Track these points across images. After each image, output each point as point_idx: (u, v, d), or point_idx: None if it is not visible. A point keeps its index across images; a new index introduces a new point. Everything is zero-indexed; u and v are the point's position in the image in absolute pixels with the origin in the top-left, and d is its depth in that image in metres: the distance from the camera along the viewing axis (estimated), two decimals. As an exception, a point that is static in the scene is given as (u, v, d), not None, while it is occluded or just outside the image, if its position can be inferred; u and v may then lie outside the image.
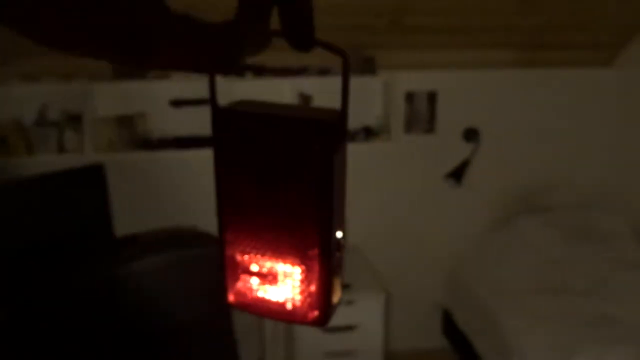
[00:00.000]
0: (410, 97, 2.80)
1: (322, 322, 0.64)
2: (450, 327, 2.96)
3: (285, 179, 0.59)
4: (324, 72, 2.64)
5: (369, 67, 2.67)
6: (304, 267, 0.63)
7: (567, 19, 2.63)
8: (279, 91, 2.61)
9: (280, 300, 0.66)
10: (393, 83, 2.71)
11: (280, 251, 0.63)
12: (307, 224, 0.61)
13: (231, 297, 0.69)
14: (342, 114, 0.57)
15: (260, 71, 2.57)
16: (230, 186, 0.62)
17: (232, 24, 0.52)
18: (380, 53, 2.67)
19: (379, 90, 2.77)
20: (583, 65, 2.92)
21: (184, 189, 2.68)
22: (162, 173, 2.71)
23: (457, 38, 2.69)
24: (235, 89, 2.53)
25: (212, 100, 0.58)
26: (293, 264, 0.63)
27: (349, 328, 2.32)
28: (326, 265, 0.62)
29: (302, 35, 0.59)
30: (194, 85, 2.51)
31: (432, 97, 2.82)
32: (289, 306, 0.66)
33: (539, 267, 2.68)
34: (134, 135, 2.55)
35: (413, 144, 2.82)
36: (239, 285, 0.68)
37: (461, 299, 2.82)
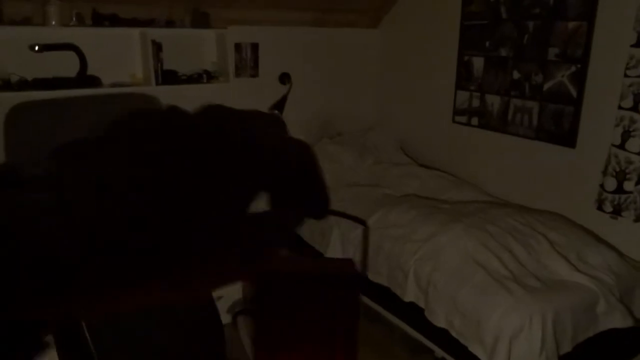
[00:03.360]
0: (238, 47, 3.50)
1: None
2: (277, 229, 3.82)
3: (314, 322, 0.68)
4: (170, 23, 3.16)
5: (204, 22, 3.28)
6: None
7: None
8: (132, 39, 3.07)
9: None
10: (224, 35, 3.35)
11: None
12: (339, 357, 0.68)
13: None
14: (363, 269, 0.85)
15: (115, 21, 2.97)
16: (266, 335, 0.70)
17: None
18: (214, 10, 3.28)
19: (213, 41, 3.39)
20: (358, 26, 3.99)
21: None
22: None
23: (272, 1, 3.46)
24: (98, 36, 2.92)
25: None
26: None
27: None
28: None
29: (320, 211, 0.89)
30: (53, 31, 2.80)
31: (255, 48, 3.56)
32: None
33: (339, 173, 3.67)
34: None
35: (243, 84, 3.54)
36: None
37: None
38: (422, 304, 2.56)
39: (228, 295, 3.06)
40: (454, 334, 2.38)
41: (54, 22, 2.75)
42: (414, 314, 2.62)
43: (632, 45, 2.44)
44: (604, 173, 2.62)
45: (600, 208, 2.66)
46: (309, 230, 3.42)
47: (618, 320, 2.31)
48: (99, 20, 2.93)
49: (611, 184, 2.59)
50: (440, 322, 2.43)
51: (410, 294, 2.61)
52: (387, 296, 2.81)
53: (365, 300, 3.08)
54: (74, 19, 2.83)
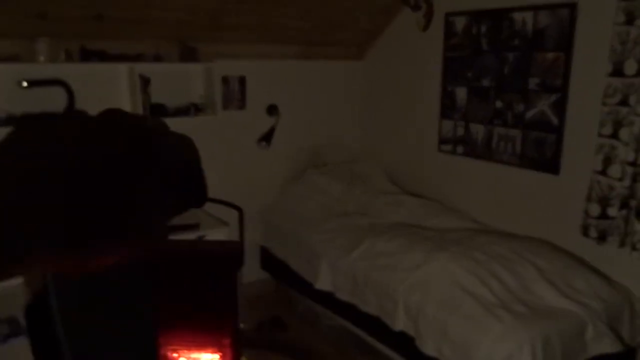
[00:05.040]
0: (225, 80, 3.54)
1: None
2: (267, 261, 3.80)
3: (207, 298, 0.84)
4: (157, 58, 3.20)
5: (192, 56, 3.32)
6: (221, 353, 0.86)
7: (331, 24, 3.69)
8: (120, 74, 3.11)
9: None
10: (212, 69, 3.39)
11: (202, 345, 0.85)
12: (222, 322, 0.84)
13: None
14: (240, 247, 0.91)
15: (103, 57, 3.01)
16: (164, 305, 0.85)
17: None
18: (201, 45, 3.33)
19: (201, 74, 3.43)
20: (344, 58, 4.07)
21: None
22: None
23: (258, 35, 3.53)
24: (86, 72, 2.96)
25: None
26: (213, 352, 0.86)
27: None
28: (235, 349, 0.86)
29: (201, 200, 1.02)
30: (41, 67, 2.82)
31: (242, 81, 3.62)
32: None
33: (326, 203, 3.69)
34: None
35: (231, 117, 3.58)
36: None
37: (275, 234, 3.68)
38: (412, 333, 2.55)
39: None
40: (444, 363, 2.37)
41: (42, 59, 2.78)
42: (404, 343, 2.61)
43: (608, 75, 2.52)
44: (588, 199, 2.66)
45: (585, 234, 2.70)
46: (296, 260, 3.42)
47: (607, 345, 2.32)
48: (88, 56, 2.96)
49: (595, 209, 2.62)
50: (430, 350, 2.43)
51: (400, 323, 2.61)
52: (377, 326, 2.80)
53: (356, 330, 3.07)
54: (63, 55, 2.87)
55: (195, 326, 0.84)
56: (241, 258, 0.88)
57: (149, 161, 0.86)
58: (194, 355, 0.87)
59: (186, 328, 0.83)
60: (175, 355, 0.87)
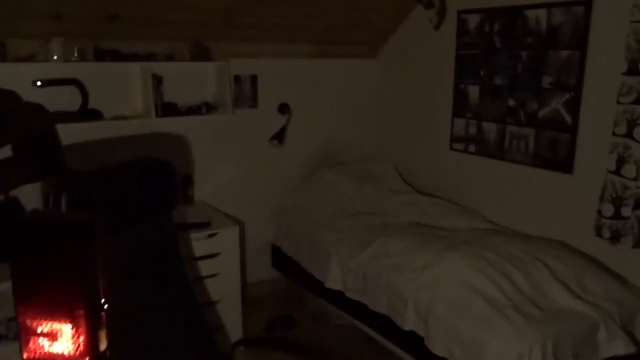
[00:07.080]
0: (237, 79, 3.56)
1: None
2: (279, 259, 3.81)
3: (60, 267, 0.83)
4: (170, 57, 3.23)
5: (205, 55, 3.34)
6: (73, 324, 0.82)
7: (344, 23, 3.68)
8: (133, 73, 3.14)
9: (60, 352, 0.83)
10: (224, 68, 3.41)
11: (56, 315, 0.82)
12: (74, 293, 0.82)
13: (25, 355, 0.86)
14: (93, 217, 0.84)
15: (116, 56, 3.04)
16: (20, 273, 0.85)
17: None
18: (214, 44, 3.35)
19: (213, 73, 3.45)
20: (356, 57, 4.06)
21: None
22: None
23: (271, 34, 3.53)
24: (99, 71, 2.99)
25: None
26: (65, 323, 0.82)
27: (213, 255, 3.00)
28: (90, 322, 0.81)
29: (54, 166, 0.88)
30: (55, 66, 2.86)
31: (254, 80, 3.63)
32: (67, 355, 0.84)
33: (338, 202, 3.69)
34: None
35: (243, 116, 3.59)
36: (30, 344, 0.85)
37: (286, 233, 3.69)
38: (422, 333, 2.54)
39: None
40: (454, 364, 2.35)
41: (56, 58, 2.81)
42: (414, 342, 2.60)
43: (623, 73, 2.48)
44: (601, 199, 2.63)
45: (599, 234, 2.66)
46: (307, 259, 3.42)
47: (620, 347, 2.29)
48: (101, 55, 2.99)
49: (608, 209, 2.59)
50: (440, 351, 2.42)
51: (409, 323, 2.60)
52: (387, 325, 2.79)
53: (366, 329, 3.07)
54: (76, 54, 2.90)
55: (51, 296, 0.84)
56: (94, 225, 0.84)
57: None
58: (50, 325, 0.87)
59: (43, 297, 0.84)
60: (34, 324, 0.86)
